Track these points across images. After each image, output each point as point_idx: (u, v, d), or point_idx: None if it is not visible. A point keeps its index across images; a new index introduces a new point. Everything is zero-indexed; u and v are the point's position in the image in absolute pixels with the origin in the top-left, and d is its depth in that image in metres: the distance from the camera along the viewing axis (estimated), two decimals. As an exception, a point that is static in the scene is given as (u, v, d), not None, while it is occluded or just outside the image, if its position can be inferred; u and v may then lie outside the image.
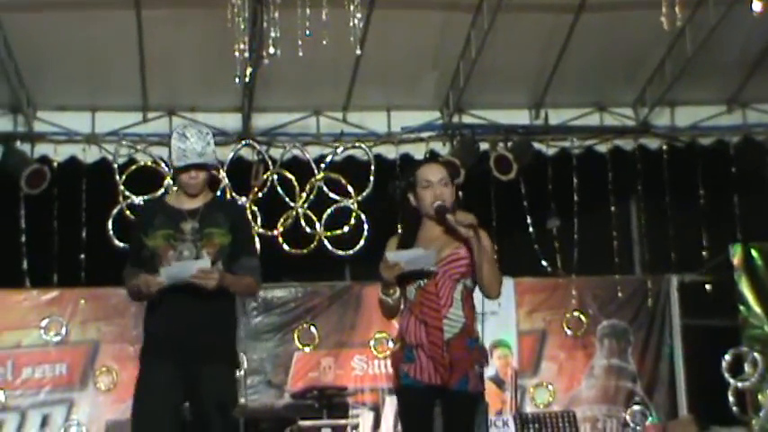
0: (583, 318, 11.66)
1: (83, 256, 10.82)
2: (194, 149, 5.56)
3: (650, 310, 11.83)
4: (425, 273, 5.41)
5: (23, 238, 10.84)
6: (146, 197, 10.67)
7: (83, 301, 10.97)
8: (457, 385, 5.39)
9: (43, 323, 10.87)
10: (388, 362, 10.72)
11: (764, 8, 9.30)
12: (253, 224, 10.81)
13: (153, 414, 5.52)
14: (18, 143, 10.77)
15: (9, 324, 10.89)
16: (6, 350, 10.82)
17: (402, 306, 5.54)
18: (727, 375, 11.18)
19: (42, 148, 10.93)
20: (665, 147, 11.71)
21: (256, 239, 10.17)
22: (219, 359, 5.61)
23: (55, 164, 10.87)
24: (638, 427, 11.32)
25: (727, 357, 11.22)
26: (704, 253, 11.81)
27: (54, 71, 10.46)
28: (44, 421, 10.73)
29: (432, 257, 5.38)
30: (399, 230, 5.73)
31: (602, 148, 11.73)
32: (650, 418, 11.41)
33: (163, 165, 10.79)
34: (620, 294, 11.80)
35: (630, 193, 12.30)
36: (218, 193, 10.79)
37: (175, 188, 5.91)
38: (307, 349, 11.27)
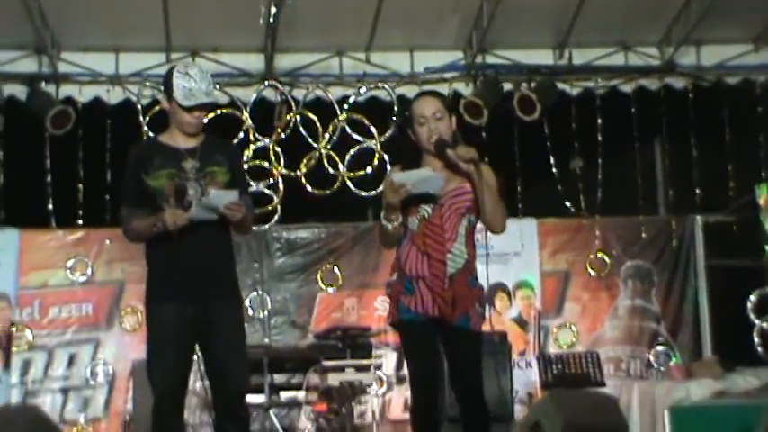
0: (606, 258, 11.64)
1: (107, 196, 10.82)
2: (201, 89, 5.51)
3: (674, 251, 11.81)
4: (431, 197, 5.34)
5: (49, 179, 10.90)
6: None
7: (108, 242, 11.03)
8: (459, 321, 5.35)
9: (69, 263, 10.96)
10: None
11: None
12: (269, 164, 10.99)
13: (168, 356, 5.52)
14: (43, 84, 10.79)
15: (35, 264, 10.98)
16: (33, 290, 10.91)
17: (403, 236, 5.45)
18: (752, 316, 11.20)
19: (67, 90, 10.94)
20: (690, 86, 11.62)
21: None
22: (228, 294, 5.64)
23: (79, 105, 10.89)
24: (661, 368, 11.34)
25: (752, 298, 11.24)
26: (729, 193, 11.74)
27: (78, 12, 10.41)
28: (71, 360, 10.86)
29: (440, 181, 5.30)
30: (399, 164, 5.62)
31: (627, 88, 11.65)
32: (674, 359, 11.42)
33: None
34: (644, 235, 11.78)
35: (655, 133, 12.26)
36: (241, 134, 10.93)
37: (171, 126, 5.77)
38: (330, 290, 11.34)
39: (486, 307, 5.59)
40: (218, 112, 10.64)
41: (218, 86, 10.59)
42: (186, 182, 5.51)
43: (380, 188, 10.91)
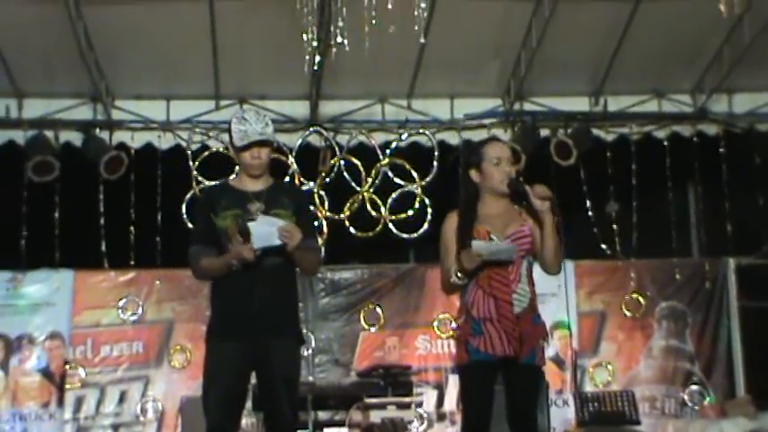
0: (641, 299, 11.80)
1: (158, 238, 11.16)
2: (255, 129, 5.67)
3: (708, 293, 11.93)
4: (505, 262, 5.50)
5: (102, 222, 11.22)
6: (220, 180, 11.07)
7: (158, 282, 11.34)
8: (526, 358, 5.50)
9: (121, 303, 11.26)
10: (451, 342, 11.05)
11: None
12: (314, 207, 11.17)
13: (225, 392, 5.63)
14: (97, 131, 11.18)
15: (89, 304, 11.28)
16: (86, 329, 11.21)
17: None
18: (784, 356, 11.32)
19: (120, 136, 11.32)
20: (722, 133, 11.82)
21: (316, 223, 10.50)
22: (287, 334, 5.74)
23: (132, 150, 11.25)
24: (695, 407, 11.46)
25: (784, 339, 11.36)
26: (761, 236, 11.90)
27: (131, 62, 10.85)
28: (122, 397, 11.11)
29: (513, 252, 5.47)
30: (459, 205, 5.74)
31: (661, 134, 11.88)
32: (708, 398, 11.54)
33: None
34: (677, 277, 11.90)
35: (688, 178, 12.41)
36: (287, 179, 11.16)
37: (237, 172, 5.98)
38: (372, 329, 11.54)
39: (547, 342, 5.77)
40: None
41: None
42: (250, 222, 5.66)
43: (421, 230, 11.37)
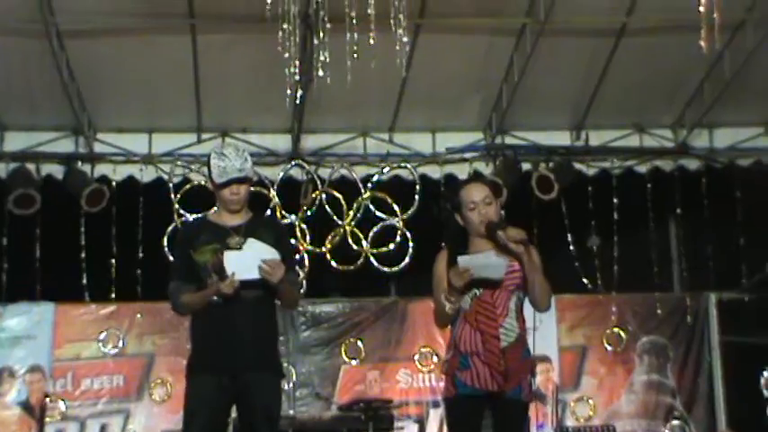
0: (622, 334, 11.83)
1: (139, 271, 11.12)
2: (234, 166, 5.72)
3: (689, 327, 11.98)
4: (492, 282, 5.49)
5: (83, 255, 11.17)
6: (191, 217, 11.08)
7: (139, 315, 11.33)
8: (511, 393, 5.51)
9: (101, 336, 11.24)
10: (433, 375, 11.09)
11: None
12: (295, 240, 11.14)
13: (205, 426, 5.66)
14: (79, 163, 11.19)
15: (69, 337, 11.25)
16: (67, 362, 11.18)
17: (456, 315, 5.60)
18: (765, 392, 11.23)
19: (102, 168, 11.31)
20: (703, 167, 11.88)
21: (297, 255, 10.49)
22: (267, 368, 5.78)
23: (113, 183, 11.23)
24: (677, 442, 11.48)
25: (766, 374, 11.27)
26: (742, 271, 11.90)
27: (113, 95, 10.89)
28: (102, 430, 11.08)
29: (502, 267, 5.45)
30: (447, 247, 5.77)
31: (642, 168, 11.93)
32: (689, 433, 11.57)
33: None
34: (659, 311, 11.95)
35: (669, 212, 12.39)
36: (268, 212, 11.16)
37: (216, 207, 6.01)
38: (353, 363, 11.53)
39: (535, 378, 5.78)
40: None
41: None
42: None
43: (402, 264, 11.37)
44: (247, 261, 5.58)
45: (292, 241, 11.25)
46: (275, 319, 5.95)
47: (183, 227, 5.52)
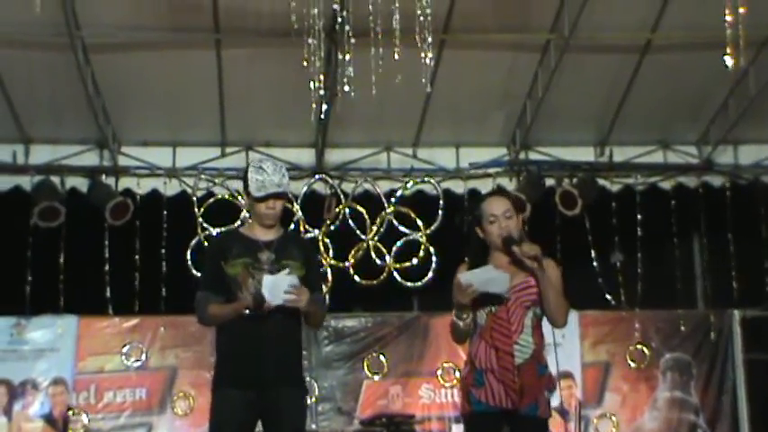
0: (646, 350, 11.77)
1: (163, 285, 11.19)
2: (272, 181, 5.73)
3: (713, 344, 11.91)
4: (498, 298, 5.48)
5: (107, 268, 11.21)
6: (223, 229, 11.12)
7: (162, 329, 11.34)
8: (527, 410, 5.47)
9: (125, 349, 11.25)
10: (455, 391, 11.07)
11: None
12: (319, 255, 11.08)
13: None
14: (103, 177, 11.24)
15: (92, 350, 11.27)
16: (90, 375, 11.20)
17: (473, 331, 5.59)
18: (789, 409, 11.28)
19: (126, 182, 11.37)
20: (727, 184, 11.86)
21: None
22: (293, 383, 5.79)
23: (138, 197, 11.29)
24: (700, 459, 11.44)
25: (790, 392, 11.32)
26: (766, 289, 11.85)
27: (138, 108, 10.94)
28: (125, 444, 11.08)
29: (505, 281, 5.44)
30: (467, 260, 5.76)
31: (666, 185, 11.92)
32: (712, 451, 11.51)
33: (240, 198, 11.22)
34: (682, 328, 11.89)
35: (693, 229, 12.42)
36: (292, 226, 11.17)
37: (250, 220, 6.04)
38: (376, 378, 11.49)
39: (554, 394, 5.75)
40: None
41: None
42: (260, 272, 5.70)
43: (425, 279, 11.37)
44: (274, 289, 5.58)
45: (320, 260, 11.32)
46: (300, 334, 5.96)
47: (214, 238, 5.58)
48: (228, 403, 5.70)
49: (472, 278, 5.45)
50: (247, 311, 5.63)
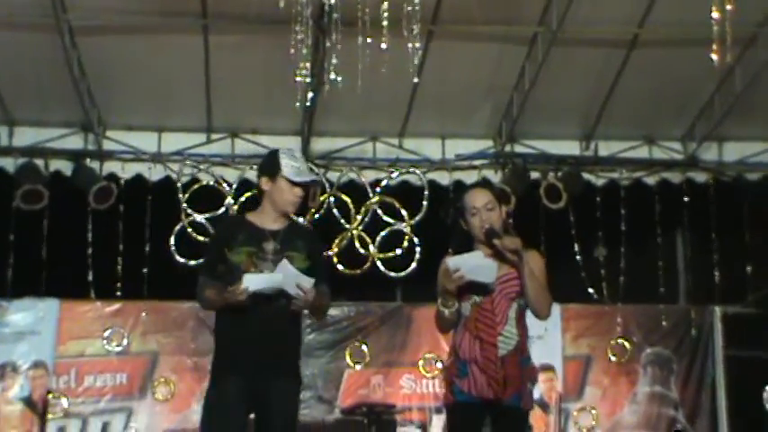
0: (627, 345, 11.82)
1: (145, 270, 11.14)
2: (307, 169, 5.86)
3: (693, 340, 11.98)
4: (485, 288, 5.51)
5: (90, 252, 11.16)
6: (207, 215, 11.20)
7: (144, 314, 11.31)
8: (510, 401, 5.50)
9: (106, 333, 11.22)
10: (436, 381, 11.11)
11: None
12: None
13: (222, 425, 5.66)
14: (88, 161, 11.18)
15: (73, 334, 11.24)
16: (70, 359, 11.17)
17: (457, 321, 5.61)
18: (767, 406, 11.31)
19: (110, 166, 11.31)
20: (711, 181, 11.88)
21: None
22: (288, 373, 5.78)
23: (122, 181, 11.25)
24: (679, 455, 11.48)
25: (769, 389, 11.36)
26: (748, 286, 11.93)
27: (123, 92, 10.90)
28: (104, 428, 11.06)
29: (493, 271, 5.46)
30: (451, 251, 5.80)
31: (651, 180, 11.93)
32: (691, 446, 11.56)
33: (225, 185, 11.24)
34: (664, 323, 11.95)
35: (677, 224, 12.49)
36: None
37: (263, 205, 5.96)
38: (357, 367, 11.51)
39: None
40: (255, 191, 11.02)
41: (255, 166, 10.99)
42: (263, 262, 5.69)
43: (409, 269, 11.38)
44: (291, 276, 5.56)
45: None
46: (299, 326, 5.98)
47: (221, 223, 5.59)
48: (223, 390, 5.70)
49: (461, 263, 5.47)
50: (231, 301, 5.60)
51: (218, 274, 5.80)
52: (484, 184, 6.23)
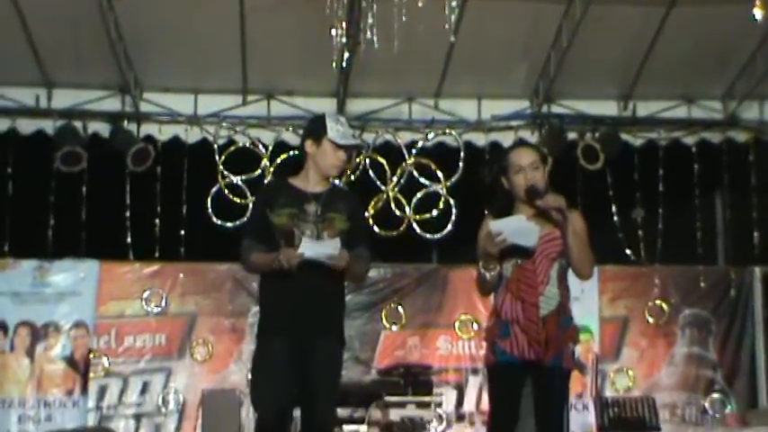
0: (665, 306, 11.77)
1: (183, 232, 11.25)
2: (353, 133, 5.93)
3: (732, 301, 11.90)
4: (526, 251, 5.47)
5: (128, 213, 11.26)
6: (243, 177, 11.28)
7: (182, 275, 11.40)
8: (551, 361, 5.47)
9: (145, 294, 11.32)
10: (472, 343, 11.13)
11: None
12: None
13: (272, 386, 5.72)
14: (125, 123, 11.24)
15: (113, 295, 11.35)
16: (110, 319, 11.28)
17: (498, 283, 5.58)
18: (807, 367, 11.26)
19: (147, 128, 11.36)
20: (752, 140, 11.78)
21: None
22: (332, 333, 5.84)
23: (159, 143, 11.30)
24: (716, 416, 11.42)
25: (808, 349, 11.30)
26: (789, 246, 11.81)
27: (160, 54, 10.90)
28: (144, 388, 11.19)
29: (535, 234, 5.42)
30: (490, 212, 5.76)
31: (689, 140, 11.83)
32: (729, 407, 11.52)
33: (260, 147, 11.26)
34: (702, 284, 11.88)
35: (716, 185, 12.42)
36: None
37: (307, 168, 5.99)
38: (394, 328, 11.54)
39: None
40: (291, 153, 11.08)
41: (290, 128, 11.04)
42: (305, 223, 5.77)
43: (445, 231, 11.37)
44: (316, 251, 5.63)
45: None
46: (342, 289, 5.99)
47: (263, 186, 5.72)
48: (269, 350, 5.79)
49: (503, 226, 5.44)
50: (282, 265, 5.65)
51: (260, 237, 5.86)
52: (528, 144, 6.17)
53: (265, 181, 11.04)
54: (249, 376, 5.90)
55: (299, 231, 5.74)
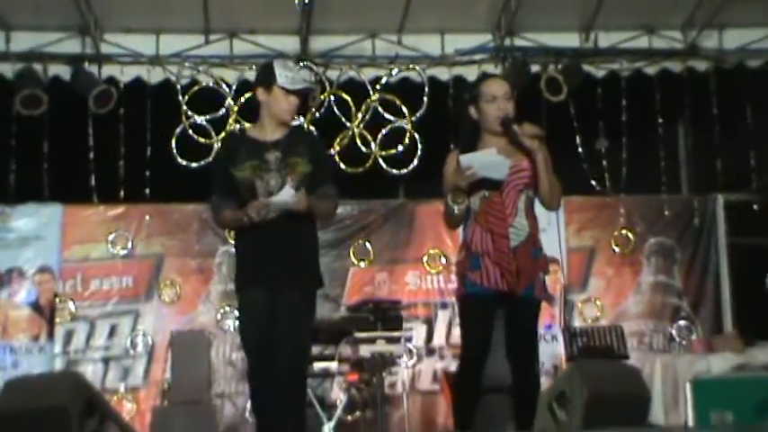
0: (630, 235, 11.85)
1: (147, 173, 11.13)
2: (302, 77, 5.99)
3: (696, 229, 12.00)
4: (495, 183, 5.53)
5: (91, 156, 11.13)
6: (207, 116, 11.22)
7: (147, 217, 11.31)
8: (523, 291, 5.58)
9: (110, 237, 11.23)
10: (441, 277, 11.17)
11: None
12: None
13: (256, 335, 5.88)
14: (86, 64, 11.07)
15: (78, 238, 11.26)
16: (76, 263, 11.20)
17: (467, 216, 5.66)
18: (771, 292, 11.38)
19: (109, 70, 11.18)
20: (712, 69, 11.78)
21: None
22: (303, 281, 5.94)
23: (121, 84, 11.15)
24: (683, 342, 11.53)
25: (772, 275, 11.41)
26: (750, 173, 11.89)
27: (120, -6, 10.74)
28: (112, 331, 11.13)
29: (505, 167, 5.50)
30: (457, 145, 5.84)
31: (651, 70, 11.82)
32: (695, 334, 11.63)
33: (224, 86, 11.19)
34: (666, 213, 11.96)
35: (678, 114, 12.45)
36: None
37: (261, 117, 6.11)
38: (362, 264, 11.56)
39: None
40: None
41: (254, 67, 10.95)
42: (268, 173, 5.85)
43: (411, 166, 11.37)
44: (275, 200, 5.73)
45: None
46: (314, 234, 6.09)
47: (223, 141, 5.78)
48: (249, 302, 5.95)
49: (473, 160, 5.48)
50: (252, 218, 5.75)
51: (227, 193, 5.93)
52: (500, 76, 6.17)
53: (225, 130, 10.99)
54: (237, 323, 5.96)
55: (264, 182, 5.82)
